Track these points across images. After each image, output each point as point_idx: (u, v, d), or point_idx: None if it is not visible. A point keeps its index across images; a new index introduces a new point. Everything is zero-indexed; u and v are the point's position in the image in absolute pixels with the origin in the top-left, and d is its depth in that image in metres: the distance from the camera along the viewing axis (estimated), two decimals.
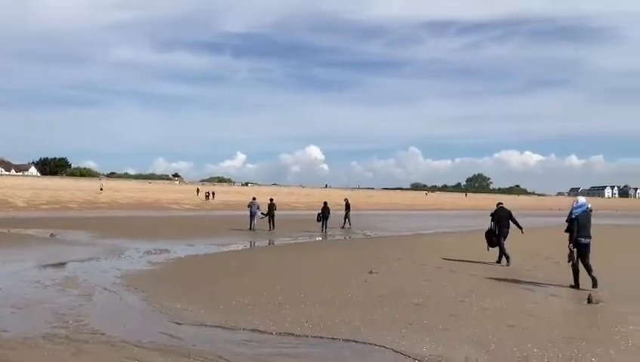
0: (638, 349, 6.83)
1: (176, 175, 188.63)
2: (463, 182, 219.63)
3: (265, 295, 9.96)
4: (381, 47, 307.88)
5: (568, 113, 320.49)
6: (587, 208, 11.31)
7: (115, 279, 11.75)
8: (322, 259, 16.14)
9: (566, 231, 11.39)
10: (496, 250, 15.15)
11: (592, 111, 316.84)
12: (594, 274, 10.96)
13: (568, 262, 11.26)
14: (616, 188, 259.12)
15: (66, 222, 29.19)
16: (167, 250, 17.42)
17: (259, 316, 8.37)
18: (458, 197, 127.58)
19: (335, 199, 45.18)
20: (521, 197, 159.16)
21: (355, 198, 74.46)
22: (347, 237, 25.37)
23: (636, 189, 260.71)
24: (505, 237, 15.19)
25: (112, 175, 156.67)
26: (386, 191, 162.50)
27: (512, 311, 8.92)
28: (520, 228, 15.73)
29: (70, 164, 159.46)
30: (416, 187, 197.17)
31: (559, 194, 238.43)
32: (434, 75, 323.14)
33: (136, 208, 47.94)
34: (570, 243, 11.16)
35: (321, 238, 24.52)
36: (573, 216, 11.16)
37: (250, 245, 21.00)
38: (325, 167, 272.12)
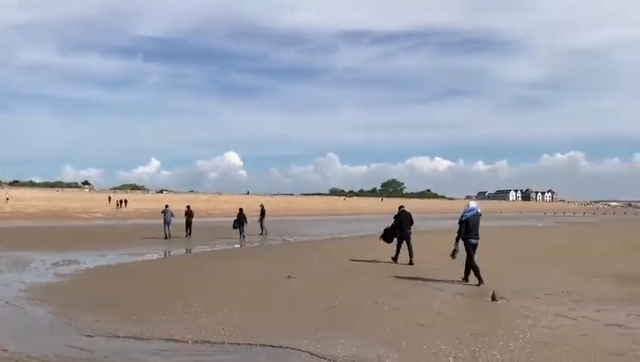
0: (536, 341, 7.34)
1: (86, 182, 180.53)
2: (379, 187, 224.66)
3: (180, 304, 9.81)
4: (298, 54, 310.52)
5: (475, 121, 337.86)
6: (477, 212, 12.24)
7: (19, 292, 11.15)
8: (240, 266, 16.07)
9: (458, 232, 12.25)
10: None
11: (496, 120, 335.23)
12: (479, 270, 11.98)
13: (451, 257, 12.26)
14: (519, 191, 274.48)
15: None
16: (76, 261, 16.69)
17: (174, 325, 8.25)
18: (374, 202, 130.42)
19: (253, 206, 44.96)
20: (432, 200, 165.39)
21: (274, 204, 74.38)
22: (266, 244, 25.35)
23: (537, 193, 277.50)
24: (408, 238, 16.09)
25: (15, 183, 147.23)
26: (306, 196, 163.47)
27: (422, 311, 9.32)
28: (410, 231, 16.43)
29: None
30: (334, 192, 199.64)
31: (468, 197, 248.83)
32: (349, 83, 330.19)
33: (42, 218, 45.43)
34: (456, 242, 12.16)
35: (239, 245, 24.34)
36: (463, 219, 12.11)
37: (165, 254, 20.51)
38: (244, 173, 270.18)
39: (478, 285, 11.74)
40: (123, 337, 7.67)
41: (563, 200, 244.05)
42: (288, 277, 12.88)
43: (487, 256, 18.20)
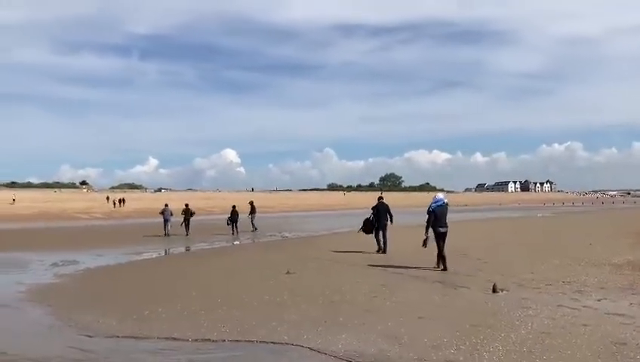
0: (537, 332, 7.31)
1: (84, 183, 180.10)
2: (377, 182, 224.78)
3: (180, 302, 9.78)
4: (293, 49, 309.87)
5: (472, 113, 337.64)
6: (443, 203, 13.22)
7: (18, 294, 11.12)
8: (239, 262, 16.04)
9: (427, 222, 13.07)
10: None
11: (493, 111, 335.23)
12: (445, 260, 12.88)
13: (422, 246, 13.26)
14: (518, 183, 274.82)
15: None
16: (75, 261, 16.65)
17: (174, 323, 8.21)
18: (373, 196, 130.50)
19: (255, 202, 44.79)
20: (432, 193, 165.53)
21: (273, 201, 74.43)
22: (264, 240, 25.32)
23: (535, 184, 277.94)
24: (384, 229, 16.91)
25: (12, 184, 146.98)
26: (304, 192, 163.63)
27: (423, 304, 9.29)
28: (391, 221, 17.13)
29: None
30: (332, 187, 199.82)
31: (467, 190, 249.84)
32: (345, 78, 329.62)
33: (40, 219, 45.30)
34: (425, 231, 13.05)
35: (238, 242, 24.31)
36: (431, 210, 12.99)
37: (165, 252, 20.49)
38: (242, 170, 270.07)
39: (443, 270, 12.67)
40: (123, 337, 7.64)
41: (562, 191, 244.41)
42: (287, 272, 12.84)
43: (486, 247, 18.25)
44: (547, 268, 13.40)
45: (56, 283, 12.75)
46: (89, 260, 17.04)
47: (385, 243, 16.75)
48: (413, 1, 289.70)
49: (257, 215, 31.06)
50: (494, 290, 10.14)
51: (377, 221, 16.97)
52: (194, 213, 28.52)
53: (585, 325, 7.63)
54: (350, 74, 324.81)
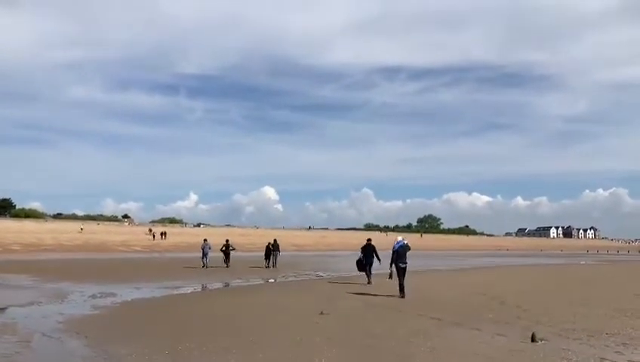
0: None
1: (125, 216, 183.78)
2: (414, 223, 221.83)
3: (213, 339, 9.79)
4: (335, 90, 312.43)
5: (513, 156, 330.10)
6: (404, 244, 16.38)
7: (57, 324, 11.34)
8: (273, 300, 15.99)
9: (391, 259, 16.18)
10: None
11: (535, 154, 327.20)
12: (405, 289, 15.94)
13: (389, 278, 16.45)
14: (560, 228, 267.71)
15: (9, 266, 27.98)
16: (113, 294, 16.93)
17: (206, 360, 8.21)
18: (414, 238, 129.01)
19: (292, 240, 44.94)
20: (470, 237, 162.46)
21: (309, 238, 74.24)
22: (299, 279, 25.23)
23: (578, 230, 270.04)
24: (370, 266, 20.43)
25: (58, 216, 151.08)
26: (340, 231, 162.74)
27: (459, 351, 9.05)
28: (379, 260, 20.25)
29: (14, 205, 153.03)
30: (369, 227, 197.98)
31: (507, 234, 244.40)
32: (386, 118, 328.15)
33: (83, 250, 46.36)
34: (390, 267, 16.23)
35: (273, 280, 24.31)
36: (394, 250, 16.18)
37: (202, 288, 20.64)
38: (279, 207, 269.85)
39: (401, 297, 15.69)
40: None
41: (606, 238, 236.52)
42: (321, 313, 12.74)
43: (526, 293, 17.71)
44: (590, 318, 12.92)
45: (93, 314, 12.96)
46: (127, 293, 17.29)
47: (369, 276, 20.20)
48: (456, 44, 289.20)
49: (294, 253, 31.53)
50: (533, 339, 9.82)
51: (365, 259, 20.61)
52: (234, 249, 31.51)
53: None
54: (391, 115, 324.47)
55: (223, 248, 30.39)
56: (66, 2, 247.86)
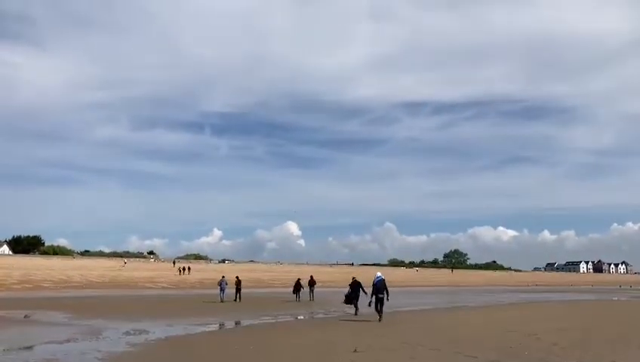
0: None
1: (151, 252, 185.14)
2: (440, 258, 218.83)
3: None
4: (358, 126, 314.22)
5: (539, 189, 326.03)
6: (381, 278, 20.17)
7: (96, 361, 11.52)
8: (305, 337, 15.99)
9: (372, 291, 19.97)
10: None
11: (561, 188, 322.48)
12: (381, 314, 19.84)
13: (369, 305, 20.22)
14: (590, 263, 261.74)
15: (42, 302, 28.43)
16: (145, 331, 17.10)
17: None
18: (445, 273, 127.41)
19: (315, 275, 44.81)
20: (498, 272, 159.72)
21: (335, 275, 73.77)
22: (329, 315, 25.12)
23: (609, 264, 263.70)
24: (357, 299, 23.25)
25: (85, 253, 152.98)
26: (365, 267, 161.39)
27: None
28: (365, 293, 22.27)
29: (43, 242, 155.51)
30: (393, 263, 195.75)
31: (535, 269, 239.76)
32: (409, 153, 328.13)
33: (110, 287, 46.82)
34: (370, 297, 20.22)
35: (302, 317, 24.26)
36: (374, 283, 20.04)
37: (235, 324, 20.76)
38: (302, 242, 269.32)
39: (379, 320, 19.49)
40: None
41: (638, 273, 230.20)
42: (355, 350, 12.72)
43: (561, 330, 17.37)
44: (629, 356, 12.66)
45: (129, 351, 13.12)
46: (159, 330, 17.46)
47: (356, 309, 23.18)
48: (480, 78, 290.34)
49: (324, 289, 31.85)
50: None
51: (353, 293, 23.34)
52: (241, 281, 34.09)
53: None
54: (414, 149, 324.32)
55: (235, 284, 33.36)
56: (94, 45, 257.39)
